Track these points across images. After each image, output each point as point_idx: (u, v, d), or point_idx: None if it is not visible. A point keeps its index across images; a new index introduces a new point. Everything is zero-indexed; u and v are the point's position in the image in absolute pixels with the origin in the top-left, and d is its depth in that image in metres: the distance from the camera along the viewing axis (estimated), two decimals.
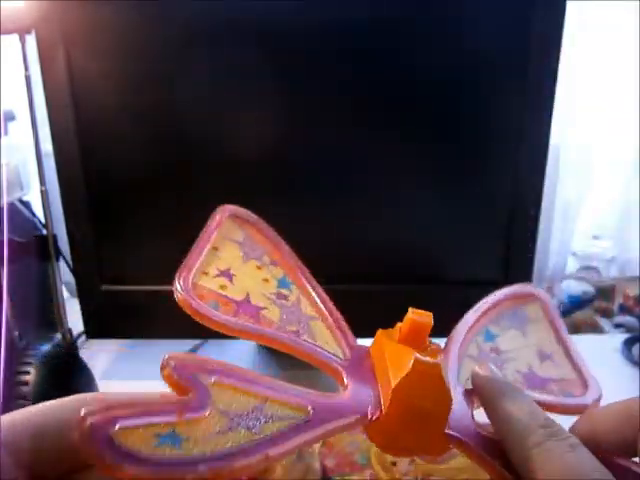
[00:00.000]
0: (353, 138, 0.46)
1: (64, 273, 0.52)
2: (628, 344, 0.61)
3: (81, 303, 0.50)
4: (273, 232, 0.26)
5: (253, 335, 0.22)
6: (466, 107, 0.45)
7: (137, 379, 0.55)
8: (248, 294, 0.23)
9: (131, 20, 0.43)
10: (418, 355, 0.19)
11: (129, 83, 0.44)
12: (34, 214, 0.53)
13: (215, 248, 0.24)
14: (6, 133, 0.49)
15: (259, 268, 0.24)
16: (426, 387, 0.19)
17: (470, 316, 0.26)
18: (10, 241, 0.44)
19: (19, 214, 0.50)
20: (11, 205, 0.48)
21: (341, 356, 0.22)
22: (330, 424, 0.19)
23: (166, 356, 0.19)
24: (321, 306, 0.24)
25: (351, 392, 0.21)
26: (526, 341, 0.26)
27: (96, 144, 0.45)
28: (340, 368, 0.21)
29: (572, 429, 0.20)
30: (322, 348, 0.22)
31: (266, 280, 0.24)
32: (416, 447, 0.20)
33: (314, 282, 0.25)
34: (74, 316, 0.52)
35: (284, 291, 0.24)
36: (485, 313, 0.26)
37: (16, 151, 0.50)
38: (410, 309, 0.22)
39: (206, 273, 0.23)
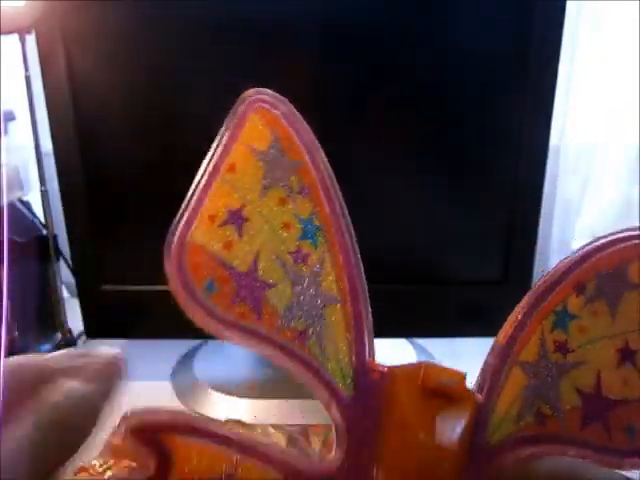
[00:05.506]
0: (350, 137, 0.46)
1: (64, 273, 0.52)
2: None
3: (81, 303, 0.50)
4: (310, 134, 0.21)
5: (239, 341, 0.18)
6: (466, 107, 0.45)
7: (137, 379, 0.55)
8: (257, 257, 0.19)
9: (132, 20, 0.43)
10: (427, 443, 0.17)
11: (130, 83, 0.44)
12: (34, 214, 0.53)
13: (231, 167, 0.19)
14: (6, 133, 0.49)
15: (282, 202, 0.19)
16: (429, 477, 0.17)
17: (541, 286, 0.20)
18: (10, 241, 0.44)
19: (19, 214, 0.50)
20: (11, 205, 0.48)
21: (347, 384, 0.18)
22: None
23: (127, 412, 0.17)
24: (345, 279, 0.19)
25: (340, 462, 0.18)
26: (612, 327, 0.19)
27: (96, 144, 0.45)
28: (338, 411, 0.18)
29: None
30: (324, 371, 0.18)
31: (287, 226, 0.19)
32: None
33: (347, 224, 0.21)
34: (74, 316, 0.52)
35: (306, 246, 0.19)
36: (566, 276, 0.20)
37: (16, 151, 0.50)
38: (434, 369, 0.18)
39: (212, 218, 0.19)
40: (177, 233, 0.19)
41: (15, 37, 0.45)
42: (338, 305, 0.19)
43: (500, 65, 0.44)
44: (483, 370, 0.20)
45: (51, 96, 0.44)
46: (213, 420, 0.18)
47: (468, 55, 0.44)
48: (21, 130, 0.52)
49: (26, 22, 0.43)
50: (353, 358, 0.19)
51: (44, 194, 0.49)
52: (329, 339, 0.19)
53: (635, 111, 0.61)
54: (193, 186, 0.19)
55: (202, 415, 0.18)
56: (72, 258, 0.49)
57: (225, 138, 0.20)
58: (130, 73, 0.44)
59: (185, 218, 0.19)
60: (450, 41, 0.44)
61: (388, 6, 0.43)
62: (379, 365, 0.19)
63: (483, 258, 0.49)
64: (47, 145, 0.46)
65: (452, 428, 0.18)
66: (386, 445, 0.18)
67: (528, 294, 0.20)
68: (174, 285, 0.18)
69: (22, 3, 0.43)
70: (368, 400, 0.18)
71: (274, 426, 0.42)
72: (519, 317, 0.20)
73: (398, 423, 0.18)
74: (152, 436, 0.16)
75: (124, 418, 0.17)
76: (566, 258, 0.20)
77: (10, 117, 0.51)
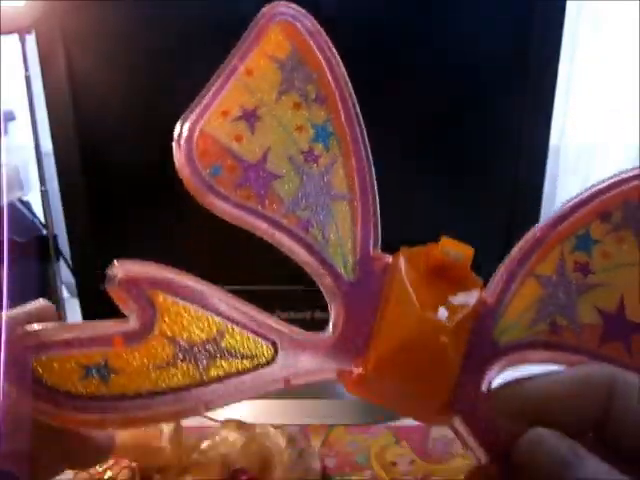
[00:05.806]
0: None
1: (64, 273, 0.52)
2: None
3: (81, 303, 0.50)
4: (331, 48, 0.21)
5: (244, 222, 0.18)
6: (466, 107, 0.45)
7: None
8: (267, 152, 0.19)
9: (131, 20, 0.43)
10: (425, 315, 0.17)
11: (129, 83, 0.44)
12: (34, 214, 0.53)
13: (249, 71, 0.19)
14: (6, 133, 0.49)
15: (297, 107, 0.19)
16: (427, 357, 0.17)
17: (564, 209, 0.19)
18: (10, 241, 0.44)
19: (19, 214, 0.50)
20: (11, 205, 0.48)
21: (349, 269, 0.19)
22: (295, 378, 0.17)
23: (116, 262, 0.16)
24: (356, 178, 0.19)
25: (336, 336, 0.17)
26: (638, 254, 0.19)
27: (96, 144, 0.45)
28: (339, 293, 0.18)
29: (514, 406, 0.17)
30: (327, 255, 0.18)
31: (299, 128, 0.19)
32: (404, 411, 0.18)
33: (363, 134, 0.20)
34: (74, 316, 0.52)
35: (318, 148, 0.19)
36: (590, 202, 0.19)
37: (16, 151, 0.50)
38: (442, 240, 0.19)
39: (225, 113, 0.19)
40: (188, 122, 0.19)
41: (15, 37, 0.45)
42: (345, 202, 0.19)
43: (500, 65, 0.44)
44: (495, 277, 0.20)
45: (51, 96, 0.44)
46: (203, 283, 0.17)
47: (468, 55, 0.44)
48: (21, 130, 0.52)
49: (26, 22, 0.43)
50: (357, 248, 0.19)
51: (44, 194, 0.49)
52: (333, 230, 0.19)
53: (635, 111, 0.61)
54: (208, 84, 0.19)
55: (194, 277, 0.17)
56: (72, 258, 0.49)
57: (245, 45, 0.20)
58: (130, 73, 0.44)
59: (197, 110, 0.19)
60: (450, 41, 0.44)
61: (388, 6, 0.43)
62: (383, 255, 0.20)
63: (483, 258, 0.49)
64: (47, 145, 0.46)
65: (455, 308, 0.18)
66: (383, 319, 0.18)
67: (549, 215, 0.20)
68: (181, 169, 0.19)
69: (22, 3, 0.43)
70: (370, 285, 0.18)
71: (274, 426, 0.42)
72: (537, 234, 0.19)
73: (398, 299, 0.18)
74: (139, 290, 0.16)
75: (113, 267, 0.16)
76: (592, 185, 0.19)
77: (10, 117, 0.51)
